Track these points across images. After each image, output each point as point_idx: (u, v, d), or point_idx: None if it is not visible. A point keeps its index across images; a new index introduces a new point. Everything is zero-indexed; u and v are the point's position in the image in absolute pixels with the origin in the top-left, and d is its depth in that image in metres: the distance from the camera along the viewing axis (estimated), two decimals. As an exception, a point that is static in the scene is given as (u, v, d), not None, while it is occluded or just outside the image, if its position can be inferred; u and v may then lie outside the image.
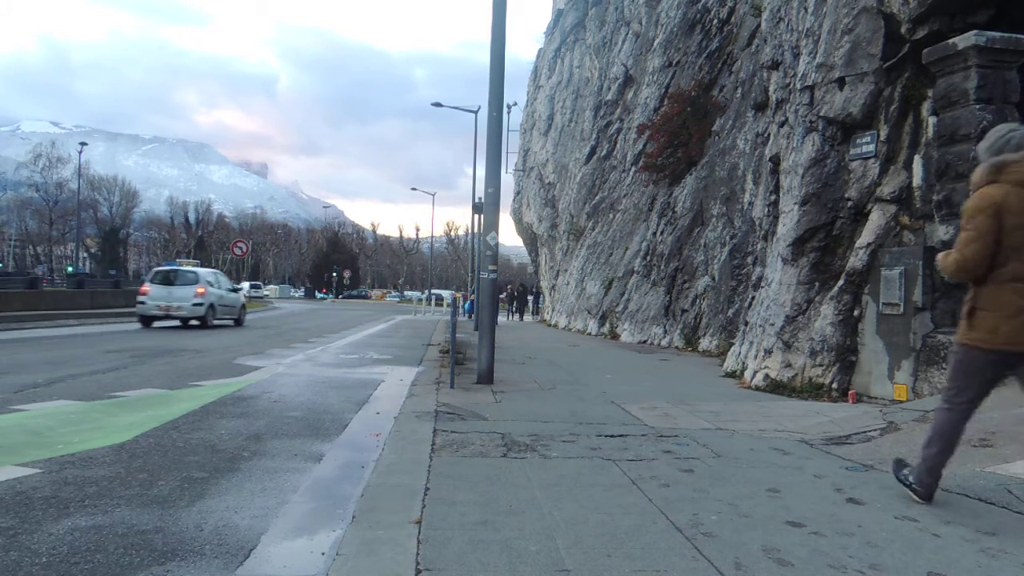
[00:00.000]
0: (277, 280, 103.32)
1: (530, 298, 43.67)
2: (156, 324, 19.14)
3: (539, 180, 36.64)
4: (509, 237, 49.01)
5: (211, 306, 19.38)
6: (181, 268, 22.06)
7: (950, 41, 7.08)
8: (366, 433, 5.90)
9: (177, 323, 19.35)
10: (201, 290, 19.07)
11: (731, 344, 11.74)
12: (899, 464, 4.23)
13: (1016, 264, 3.65)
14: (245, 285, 72.56)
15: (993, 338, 3.70)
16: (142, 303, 18.92)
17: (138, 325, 18.97)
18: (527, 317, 38.68)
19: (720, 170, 15.65)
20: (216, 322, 19.95)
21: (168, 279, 19.46)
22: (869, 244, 7.86)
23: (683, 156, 17.79)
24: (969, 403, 3.87)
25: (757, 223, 11.38)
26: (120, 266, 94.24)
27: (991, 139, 3.90)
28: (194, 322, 19.26)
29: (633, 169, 22.30)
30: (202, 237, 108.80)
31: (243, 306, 22.29)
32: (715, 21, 18.68)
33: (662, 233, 17.96)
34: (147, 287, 19.29)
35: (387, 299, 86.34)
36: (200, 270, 21.15)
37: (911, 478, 4.06)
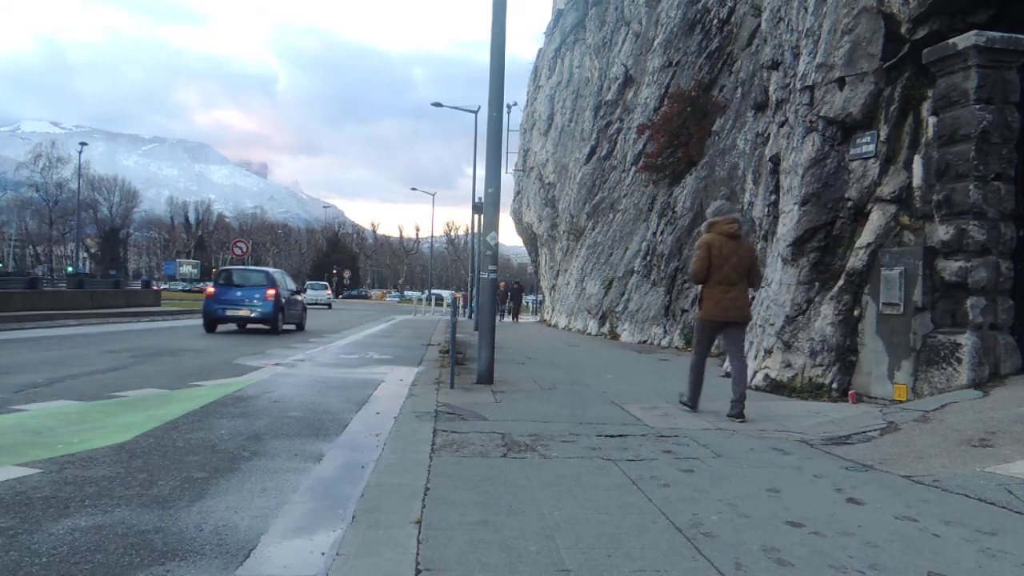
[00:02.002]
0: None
1: (530, 298, 43.50)
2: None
3: (539, 180, 36.63)
4: (509, 237, 48.98)
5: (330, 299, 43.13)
6: (317, 282, 46.14)
7: (950, 41, 7.08)
8: (366, 433, 5.90)
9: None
10: (328, 292, 41.57)
11: (731, 344, 11.73)
12: (681, 397, 7.10)
13: (719, 275, 6.58)
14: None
15: (707, 314, 6.74)
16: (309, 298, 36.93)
17: (138, 325, 20.12)
18: (523, 317, 38.21)
19: (720, 170, 15.65)
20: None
21: (313, 288, 43.22)
22: (869, 244, 7.86)
23: (683, 156, 17.79)
24: (706, 349, 7.01)
25: (757, 223, 11.37)
26: (120, 266, 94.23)
27: (711, 208, 7.06)
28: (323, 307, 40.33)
29: (633, 169, 22.30)
30: (202, 237, 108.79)
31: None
32: (715, 21, 18.67)
33: (662, 233, 17.96)
34: (307, 291, 40.02)
35: (387, 299, 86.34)
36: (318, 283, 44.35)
37: (684, 400, 7.02)
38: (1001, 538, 3.42)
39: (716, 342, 7.78)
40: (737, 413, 6.48)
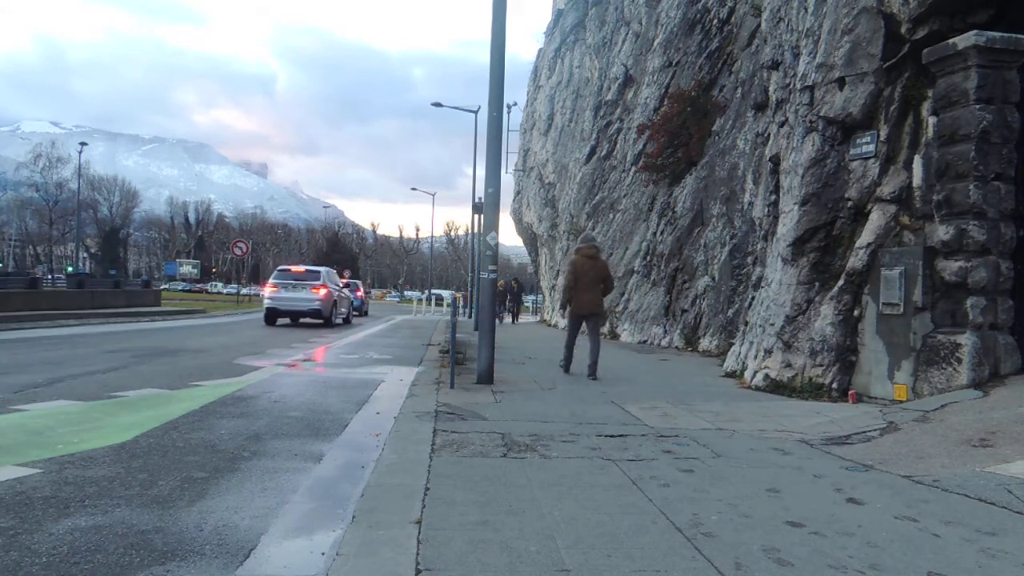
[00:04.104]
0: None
1: (530, 298, 43.33)
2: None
3: (539, 180, 36.62)
4: (509, 237, 49.08)
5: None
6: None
7: (950, 41, 7.08)
8: (366, 433, 5.90)
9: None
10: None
11: (731, 344, 11.74)
12: (560, 363, 10.22)
13: (581, 285, 9.64)
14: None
15: (575, 309, 9.80)
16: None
17: (138, 325, 19.95)
18: (523, 317, 38.02)
19: (720, 170, 15.65)
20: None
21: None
22: (869, 244, 7.86)
23: (683, 156, 17.78)
24: (575, 333, 10.04)
25: (757, 223, 11.38)
26: (120, 266, 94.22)
27: (580, 237, 11.48)
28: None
29: (633, 169, 22.29)
30: (202, 237, 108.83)
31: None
32: (715, 21, 18.67)
33: (662, 233, 17.96)
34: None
35: (387, 299, 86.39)
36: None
37: (561, 365, 10.09)
38: (1001, 538, 3.42)
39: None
40: (592, 374, 9.40)
